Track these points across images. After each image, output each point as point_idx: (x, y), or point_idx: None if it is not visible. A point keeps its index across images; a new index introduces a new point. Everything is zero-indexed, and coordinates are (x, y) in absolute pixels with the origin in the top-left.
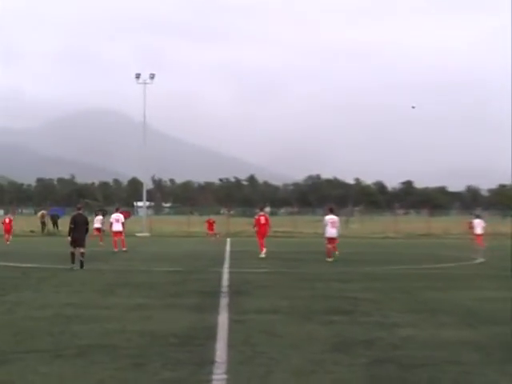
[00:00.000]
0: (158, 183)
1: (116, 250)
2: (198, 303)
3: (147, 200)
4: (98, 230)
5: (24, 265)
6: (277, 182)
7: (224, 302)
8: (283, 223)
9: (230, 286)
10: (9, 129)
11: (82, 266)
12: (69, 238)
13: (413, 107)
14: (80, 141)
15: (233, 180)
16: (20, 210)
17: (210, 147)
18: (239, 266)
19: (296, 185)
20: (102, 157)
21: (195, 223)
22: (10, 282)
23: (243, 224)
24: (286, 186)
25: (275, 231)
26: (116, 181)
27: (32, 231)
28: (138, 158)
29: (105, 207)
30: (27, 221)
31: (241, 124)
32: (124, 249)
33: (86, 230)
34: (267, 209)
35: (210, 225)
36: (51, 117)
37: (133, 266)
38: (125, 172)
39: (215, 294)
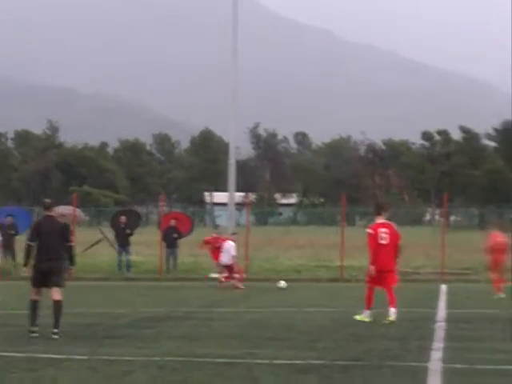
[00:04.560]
0: (265, 145)
1: None
2: None
3: (240, 188)
4: None
5: None
6: None
7: None
8: None
9: None
10: None
11: (55, 333)
12: (25, 269)
13: None
14: None
15: None
16: None
17: None
18: (467, 356)
19: None
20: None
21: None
22: None
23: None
24: None
25: None
26: (161, 138)
27: None
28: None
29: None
30: None
31: None
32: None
33: (68, 249)
34: None
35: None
36: None
37: (194, 351)
38: (182, 118)
39: None
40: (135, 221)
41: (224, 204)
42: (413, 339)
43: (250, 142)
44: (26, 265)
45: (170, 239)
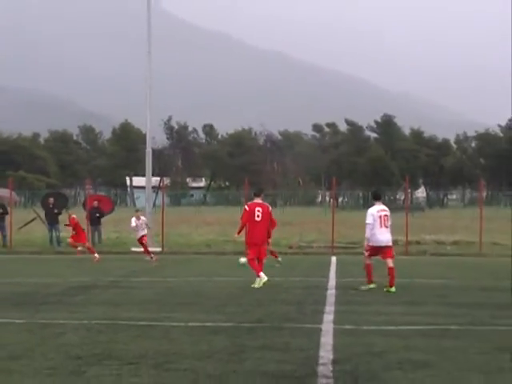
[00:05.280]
0: (177, 135)
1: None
2: None
3: (156, 173)
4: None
5: None
6: None
7: None
8: None
9: (337, 362)
10: None
11: None
12: None
13: None
14: None
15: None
16: None
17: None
18: (355, 318)
19: None
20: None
21: None
22: None
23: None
24: None
25: None
26: (86, 130)
27: None
28: (129, 80)
29: (59, 190)
30: None
31: None
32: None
33: None
34: None
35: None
36: None
37: (118, 315)
38: (104, 111)
39: (305, 381)
40: (63, 202)
41: (142, 187)
42: (308, 304)
43: (165, 132)
44: None
45: (94, 218)
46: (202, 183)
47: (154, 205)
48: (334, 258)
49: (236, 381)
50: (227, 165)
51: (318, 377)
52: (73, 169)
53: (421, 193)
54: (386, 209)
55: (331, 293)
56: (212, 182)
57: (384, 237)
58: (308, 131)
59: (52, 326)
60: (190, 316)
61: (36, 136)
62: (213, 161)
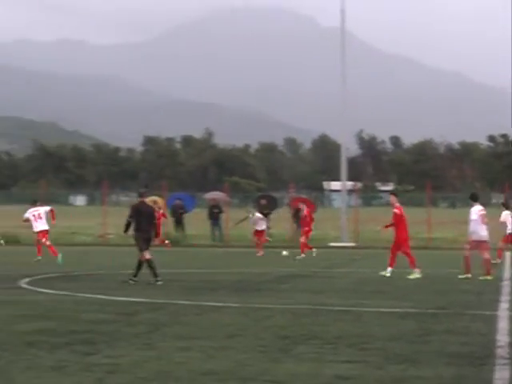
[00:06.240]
0: (368, 145)
1: None
2: (452, 379)
3: (349, 178)
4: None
5: (117, 298)
6: None
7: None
8: None
9: None
10: None
11: (158, 280)
12: (125, 235)
13: None
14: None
15: None
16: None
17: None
18: None
19: None
20: (253, 95)
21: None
22: (101, 330)
23: None
24: None
25: None
26: (290, 141)
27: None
28: (326, 98)
29: (269, 192)
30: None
31: None
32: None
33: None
34: None
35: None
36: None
37: (319, 301)
38: (305, 126)
39: (484, 361)
40: (273, 203)
41: (338, 191)
42: (485, 294)
43: (357, 143)
44: (126, 231)
45: (298, 217)
46: (390, 187)
47: (348, 206)
48: (508, 253)
49: (422, 360)
50: (412, 171)
51: (495, 358)
52: (278, 174)
53: None
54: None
55: (506, 284)
56: (398, 186)
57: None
58: (483, 141)
59: (263, 310)
60: (381, 302)
61: (247, 147)
62: (399, 167)
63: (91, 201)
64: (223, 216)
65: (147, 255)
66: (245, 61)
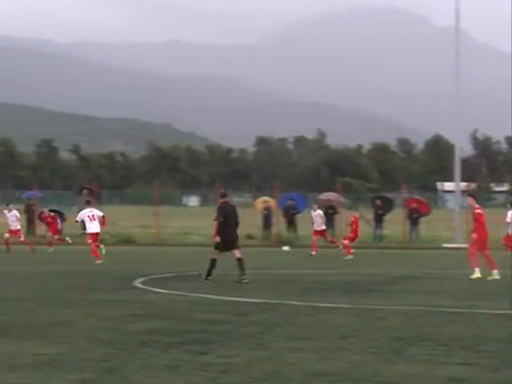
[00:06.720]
0: (482, 145)
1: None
2: None
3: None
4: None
5: (229, 298)
6: None
7: None
8: None
9: None
10: None
11: (244, 278)
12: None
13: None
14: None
15: None
16: None
17: None
18: None
19: None
20: (367, 96)
21: None
22: (214, 330)
23: None
24: None
25: None
26: (403, 142)
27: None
28: (440, 99)
29: (382, 192)
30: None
31: None
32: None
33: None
34: None
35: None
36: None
37: (431, 302)
38: (418, 126)
39: None
40: (389, 205)
41: (451, 191)
42: None
43: (471, 143)
44: (217, 233)
45: (412, 218)
46: (505, 187)
47: (462, 206)
48: None
49: None
50: None
51: None
52: (390, 175)
53: None
54: None
55: None
56: None
57: None
58: None
59: (375, 311)
60: (495, 304)
61: (359, 147)
62: None
63: (204, 201)
64: (337, 217)
65: (237, 254)
66: (359, 61)
